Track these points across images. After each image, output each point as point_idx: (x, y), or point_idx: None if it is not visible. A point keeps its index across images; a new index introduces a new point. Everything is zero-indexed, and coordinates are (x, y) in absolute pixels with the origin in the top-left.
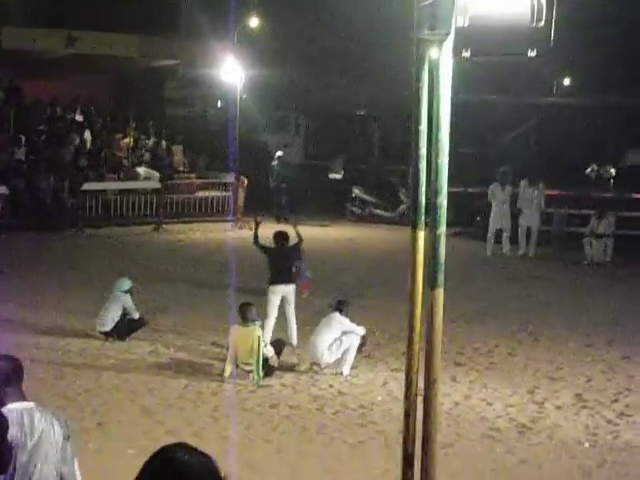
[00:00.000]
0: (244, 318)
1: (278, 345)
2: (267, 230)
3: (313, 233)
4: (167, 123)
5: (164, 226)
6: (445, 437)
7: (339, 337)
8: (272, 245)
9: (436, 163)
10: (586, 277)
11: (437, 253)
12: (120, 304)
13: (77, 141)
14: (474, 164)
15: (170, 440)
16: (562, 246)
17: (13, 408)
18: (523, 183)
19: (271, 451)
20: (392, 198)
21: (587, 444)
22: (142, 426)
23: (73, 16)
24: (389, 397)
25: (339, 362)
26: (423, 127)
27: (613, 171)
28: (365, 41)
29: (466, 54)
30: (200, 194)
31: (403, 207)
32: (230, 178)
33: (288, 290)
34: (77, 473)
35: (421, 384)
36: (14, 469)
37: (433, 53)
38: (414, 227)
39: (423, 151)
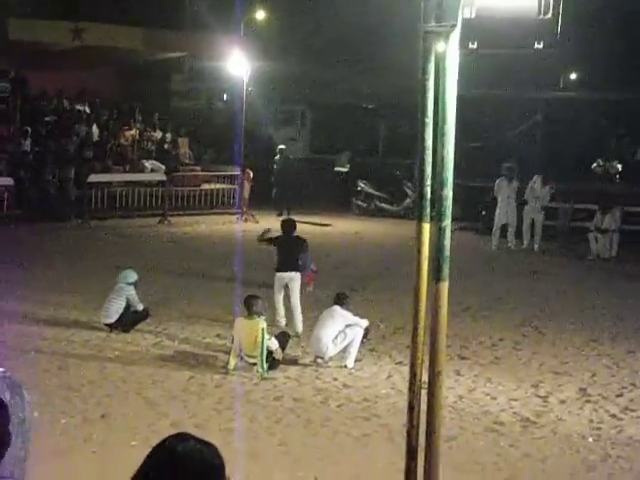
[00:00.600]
0: (249, 311)
1: (282, 338)
2: (266, 224)
3: (317, 227)
4: (173, 116)
5: (169, 218)
6: (449, 430)
7: (343, 330)
8: (279, 234)
9: (442, 155)
10: (591, 272)
11: (442, 246)
12: (124, 296)
13: (83, 133)
14: (480, 158)
15: (174, 432)
16: (567, 241)
17: None
18: (536, 178)
19: (275, 443)
20: (398, 192)
21: (591, 439)
22: (146, 418)
23: (79, 8)
24: (393, 390)
25: (343, 355)
26: (429, 119)
27: (619, 166)
28: (372, 34)
29: (473, 46)
30: (206, 187)
31: (408, 201)
32: (236, 171)
33: (292, 277)
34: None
35: (425, 377)
36: None
37: (439, 45)
38: (420, 219)
39: (429, 143)
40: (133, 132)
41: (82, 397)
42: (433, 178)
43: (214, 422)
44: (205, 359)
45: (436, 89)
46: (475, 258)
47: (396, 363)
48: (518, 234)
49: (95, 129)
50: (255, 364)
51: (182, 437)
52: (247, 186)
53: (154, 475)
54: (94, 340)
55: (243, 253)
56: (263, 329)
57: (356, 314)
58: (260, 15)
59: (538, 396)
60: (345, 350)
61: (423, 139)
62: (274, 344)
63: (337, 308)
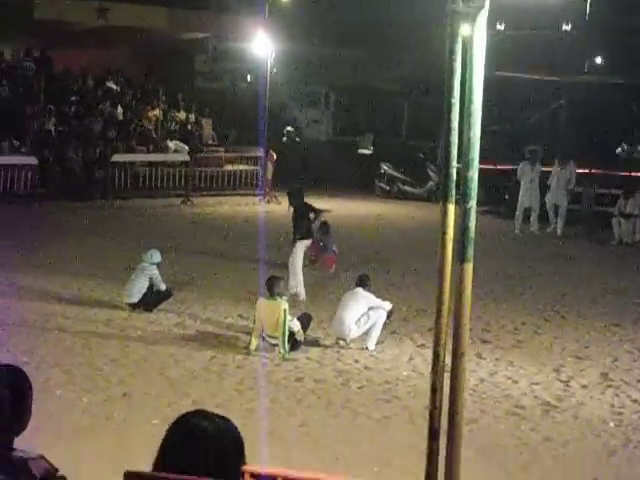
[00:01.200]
0: (271, 292)
1: (304, 319)
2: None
3: (340, 209)
4: (197, 96)
5: (192, 199)
6: (470, 413)
7: (366, 312)
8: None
9: (468, 136)
10: (614, 257)
11: (467, 227)
12: (147, 276)
13: (107, 112)
14: (504, 142)
15: None
16: (591, 225)
17: None
18: (556, 161)
19: (295, 424)
20: (421, 175)
21: (612, 423)
22: (167, 397)
23: None
24: (414, 373)
25: (364, 337)
26: (456, 100)
27: None
28: (397, 16)
29: (500, 27)
30: (229, 168)
31: (431, 184)
32: (259, 152)
33: (296, 245)
34: None
35: (448, 359)
36: None
37: (466, 26)
38: (444, 200)
39: (455, 124)
40: (157, 112)
41: (104, 376)
42: (458, 159)
43: (235, 402)
44: (227, 339)
45: (463, 70)
46: (498, 242)
47: (417, 346)
48: (541, 218)
49: (119, 109)
50: (277, 345)
51: (199, 413)
52: (270, 167)
53: (173, 451)
54: (116, 319)
55: (266, 234)
56: (285, 310)
57: (378, 296)
58: None
59: (559, 380)
60: (367, 332)
61: (449, 120)
62: (296, 325)
63: (360, 290)
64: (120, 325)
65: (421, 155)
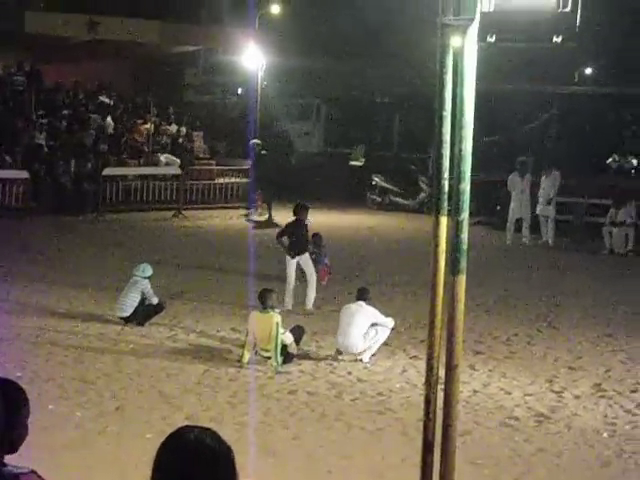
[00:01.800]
0: (263, 305)
1: (297, 332)
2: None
3: (332, 221)
4: (188, 109)
5: (184, 212)
6: (463, 425)
7: (372, 326)
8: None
9: (460, 149)
10: (605, 267)
11: (460, 239)
12: (139, 289)
13: (95, 125)
14: (495, 153)
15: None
16: (582, 236)
17: None
18: (543, 171)
19: (289, 437)
20: (412, 186)
21: (606, 434)
22: (160, 411)
23: (95, 1)
24: (408, 385)
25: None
26: (447, 113)
27: (635, 161)
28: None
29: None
30: (220, 180)
31: (423, 195)
32: (250, 165)
33: (302, 258)
34: None
35: (441, 371)
36: None
37: (457, 39)
38: (437, 212)
39: (447, 137)
40: (148, 126)
41: (97, 390)
42: (450, 172)
43: (228, 415)
44: (219, 353)
45: (454, 83)
46: (490, 253)
47: (410, 357)
48: (533, 229)
49: (110, 122)
50: (269, 358)
51: (192, 428)
52: None
53: (167, 467)
54: (109, 333)
55: (257, 247)
56: (277, 323)
57: (382, 312)
58: (275, 9)
59: (553, 391)
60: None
61: (441, 133)
62: (288, 338)
63: (363, 304)
64: (113, 339)
65: (413, 167)
